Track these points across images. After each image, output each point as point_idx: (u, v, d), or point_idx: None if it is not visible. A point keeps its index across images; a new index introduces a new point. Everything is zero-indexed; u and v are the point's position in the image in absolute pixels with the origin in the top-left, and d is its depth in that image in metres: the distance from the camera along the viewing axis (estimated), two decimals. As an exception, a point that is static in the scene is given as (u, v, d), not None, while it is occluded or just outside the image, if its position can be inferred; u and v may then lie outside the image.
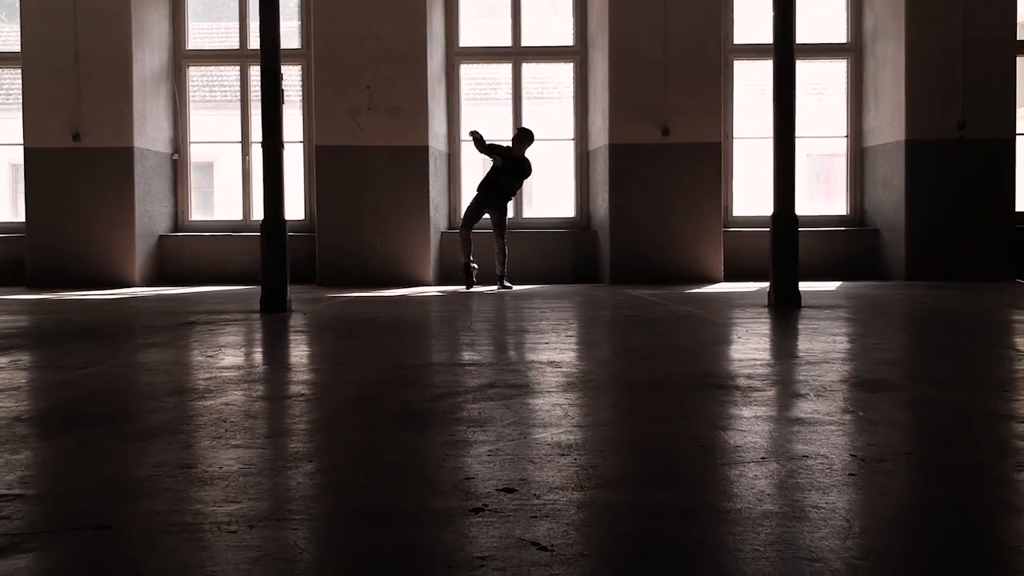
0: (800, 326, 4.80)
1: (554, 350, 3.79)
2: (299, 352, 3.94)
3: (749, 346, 3.94)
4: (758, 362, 3.42)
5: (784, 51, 6.10)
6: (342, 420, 2.36)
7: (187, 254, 10.17)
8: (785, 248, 6.13)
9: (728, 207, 10.26)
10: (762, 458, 1.85)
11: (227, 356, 3.65)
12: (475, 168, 10.62)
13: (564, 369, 3.24)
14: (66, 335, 4.68)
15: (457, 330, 4.88)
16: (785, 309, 5.90)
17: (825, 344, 3.96)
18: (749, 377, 3.01)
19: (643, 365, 3.35)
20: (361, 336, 4.47)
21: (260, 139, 6.12)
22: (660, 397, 2.71)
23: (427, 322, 5.32)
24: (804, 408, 2.48)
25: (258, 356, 3.63)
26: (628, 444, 2.08)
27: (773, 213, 6.22)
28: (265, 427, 2.26)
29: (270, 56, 5.87)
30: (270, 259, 5.93)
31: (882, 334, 4.56)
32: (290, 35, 10.34)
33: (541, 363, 3.38)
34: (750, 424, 2.25)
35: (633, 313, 5.64)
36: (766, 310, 5.87)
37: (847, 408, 2.51)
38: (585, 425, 2.26)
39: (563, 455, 1.89)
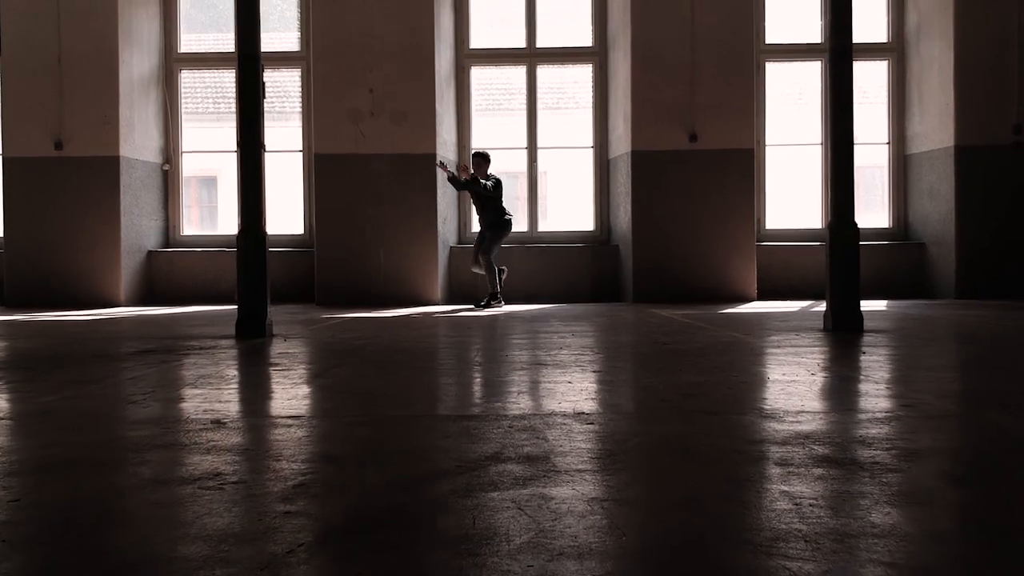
0: (877, 358, 3.94)
1: (580, 393, 2.94)
2: (249, 397, 3.07)
3: (832, 388, 3.08)
4: (860, 415, 2.55)
5: (841, 47, 5.27)
6: (243, 541, 1.45)
7: (177, 271, 9.42)
8: (844, 263, 5.27)
9: (761, 219, 9.42)
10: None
11: (155, 402, 2.83)
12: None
13: (597, 427, 2.38)
14: (-9, 368, 3.89)
15: (459, 362, 4.04)
16: (846, 335, 5.04)
17: (927, 384, 3.10)
18: (864, 442, 2.14)
19: (705, 421, 2.47)
20: (339, 372, 3.64)
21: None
22: (749, 484, 1.81)
23: (425, 351, 4.48)
24: (984, 507, 1.63)
25: (194, 403, 2.79)
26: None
27: (830, 222, 5.37)
28: (108, 552, 1.42)
29: (249, 39, 5.08)
30: (246, 277, 5.13)
31: (985, 369, 3.70)
32: (289, 40, 9.61)
33: (565, 416, 2.53)
34: (925, 551, 1.39)
35: (669, 340, 4.78)
36: (823, 335, 5.01)
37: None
38: (646, 551, 1.40)
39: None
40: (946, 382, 3.22)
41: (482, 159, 8.36)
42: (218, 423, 2.45)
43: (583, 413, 2.57)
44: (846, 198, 5.29)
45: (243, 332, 5.11)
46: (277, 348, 4.57)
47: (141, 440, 2.25)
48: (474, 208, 8.68)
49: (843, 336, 4.94)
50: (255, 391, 3.22)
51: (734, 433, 2.28)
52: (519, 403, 2.77)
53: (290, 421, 2.52)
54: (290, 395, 3.05)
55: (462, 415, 2.59)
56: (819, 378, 3.30)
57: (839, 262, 5.28)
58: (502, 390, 3.07)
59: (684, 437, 2.25)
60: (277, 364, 3.91)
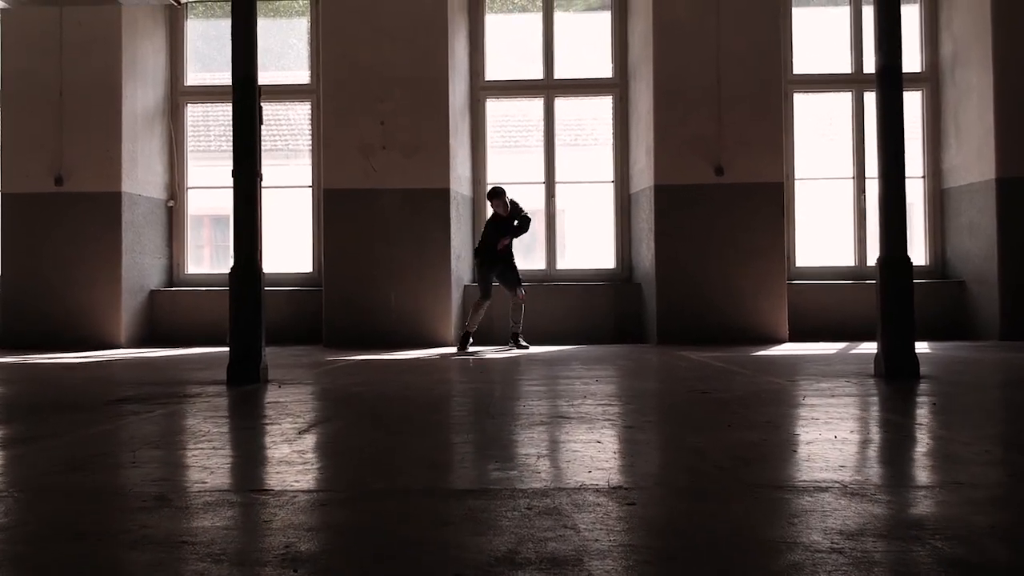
0: (949, 411, 3.41)
1: (613, 458, 2.44)
2: (215, 462, 2.51)
3: (917, 451, 2.56)
4: (973, 491, 2.01)
5: (890, 75, 4.83)
6: None
7: (180, 311, 9.00)
8: (897, 301, 4.76)
9: (791, 256, 8.92)
10: None
11: (104, 468, 2.36)
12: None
13: (640, 509, 1.85)
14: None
15: (469, 415, 3.54)
16: (902, 382, 4.50)
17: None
18: (996, 535, 1.62)
19: (777, 500, 1.91)
20: (329, 428, 3.15)
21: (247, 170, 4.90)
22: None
23: (431, 402, 3.98)
24: None
25: (147, 469, 2.30)
26: None
27: (881, 258, 4.87)
28: None
29: (245, 60, 4.69)
30: (240, 318, 4.68)
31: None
32: (302, 77, 9.29)
33: (598, 491, 2.01)
34: None
35: (706, 387, 4.26)
36: (877, 382, 4.48)
37: None
38: None
39: None
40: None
41: (500, 196, 7.92)
42: (162, 499, 1.96)
43: (620, 488, 2.05)
44: (898, 230, 4.80)
45: (234, 377, 4.65)
46: (268, 396, 4.10)
47: (60, 525, 1.77)
48: (488, 238, 7.90)
49: (898, 384, 4.41)
50: (225, 453, 2.73)
51: (821, 521, 1.75)
52: (539, 471, 2.26)
53: (254, 497, 2.02)
54: (265, 458, 2.57)
55: (468, 489, 2.07)
56: (896, 438, 2.78)
57: (892, 300, 4.77)
58: (518, 453, 2.57)
59: (758, 526, 1.73)
60: (262, 417, 3.43)
